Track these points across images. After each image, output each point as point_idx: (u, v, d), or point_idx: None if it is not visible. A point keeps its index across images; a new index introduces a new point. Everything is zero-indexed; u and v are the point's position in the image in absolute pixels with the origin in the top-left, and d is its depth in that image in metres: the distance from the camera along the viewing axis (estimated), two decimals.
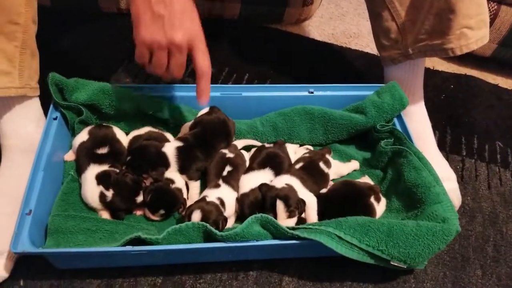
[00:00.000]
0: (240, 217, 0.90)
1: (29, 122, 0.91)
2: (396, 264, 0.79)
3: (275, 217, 0.83)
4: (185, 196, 0.93)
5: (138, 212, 0.92)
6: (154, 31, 0.76)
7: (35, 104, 0.93)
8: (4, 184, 0.87)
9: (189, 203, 0.91)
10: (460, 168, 1.10)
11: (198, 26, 0.80)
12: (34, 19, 0.86)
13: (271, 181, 0.91)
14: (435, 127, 1.10)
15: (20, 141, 0.90)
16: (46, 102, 0.96)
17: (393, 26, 1.02)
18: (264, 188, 0.87)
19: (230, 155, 0.97)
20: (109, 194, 0.87)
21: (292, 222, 0.84)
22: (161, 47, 0.78)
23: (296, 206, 0.84)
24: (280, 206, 0.83)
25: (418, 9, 0.97)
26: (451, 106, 1.27)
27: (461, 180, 1.07)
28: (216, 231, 0.78)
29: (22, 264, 0.84)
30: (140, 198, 0.89)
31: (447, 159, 1.07)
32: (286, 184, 0.87)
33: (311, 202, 0.88)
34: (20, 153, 0.89)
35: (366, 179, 0.98)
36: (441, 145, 1.13)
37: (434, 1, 0.94)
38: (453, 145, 1.16)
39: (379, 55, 1.11)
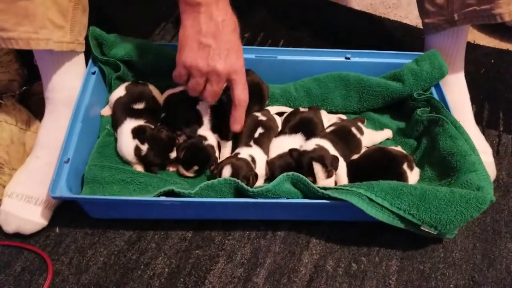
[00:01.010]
0: (270, 179, 0.90)
1: (74, 77, 0.93)
2: (426, 230, 0.78)
3: (314, 180, 0.84)
4: (217, 154, 0.94)
5: (171, 168, 0.94)
6: (198, 57, 0.78)
7: (80, 59, 0.95)
8: (46, 134, 0.91)
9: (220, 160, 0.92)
10: (496, 143, 1.07)
11: (242, 62, 0.82)
12: None
13: (301, 146, 0.92)
14: (473, 101, 1.07)
15: (64, 94, 0.92)
16: (86, 57, 0.98)
17: None
18: (295, 153, 0.87)
19: (262, 117, 0.97)
20: (144, 148, 0.89)
21: (331, 181, 0.85)
22: (201, 73, 0.80)
23: (331, 164, 0.84)
24: (317, 167, 0.84)
25: None
26: (490, 81, 1.23)
27: (496, 154, 1.04)
28: (248, 187, 0.79)
29: (59, 213, 0.88)
30: (173, 154, 0.90)
31: (484, 134, 1.05)
32: (317, 145, 0.87)
33: (340, 165, 0.87)
34: (63, 105, 0.92)
35: (399, 149, 0.96)
36: (478, 119, 1.10)
37: None
38: (490, 120, 1.13)
39: (421, 23, 1.07)
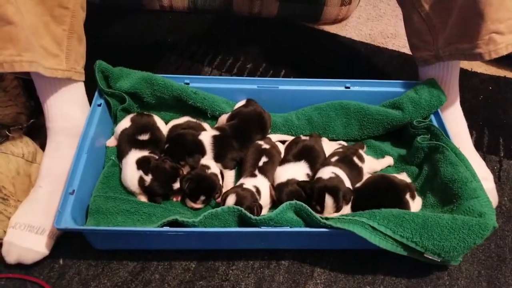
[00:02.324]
0: (275, 207, 0.90)
1: (73, 106, 0.95)
2: (430, 257, 0.78)
3: (322, 210, 0.84)
4: (220, 183, 0.95)
5: (175, 199, 0.94)
6: None
7: (80, 89, 0.97)
8: (49, 164, 0.92)
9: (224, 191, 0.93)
10: (497, 168, 1.08)
11: None
12: (82, 5, 0.90)
13: (307, 174, 0.92)
14: (472, 128, 1.08)
15: (64, 123, 0.94)
16: (91, 90, 1.00)
17: (423, 27, 1.01)
18: (305, 184, 0.87)
19: (265, 146, 0.98)
20: (148, 179, 0.90)
21: (337, 215, 0.85)
22: None
23: (344, 197, 0.84)
24: (329, 200, 0.83)
25: (447, 12, 0.96)
26: (489, 107, 1.25)
27: (498, 180, 1.04)
28: (251, 215, 0.79)
29: (62, 243, 0.88)
30: (177, 185, 0.91)
31: (484, 160, 1.05)
32: (333, 173, 0.87)
33: None
34: (64, 135, 0.93)
35: (404, 176, 0.97)
36: (478, 146, 1.11)
37: (463, 5, 0.92)
38: (491, 146, 1.14)
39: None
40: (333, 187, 0.84)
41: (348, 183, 0.88)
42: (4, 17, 0.77)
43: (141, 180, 0.90)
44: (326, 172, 0.88)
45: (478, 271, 0.89)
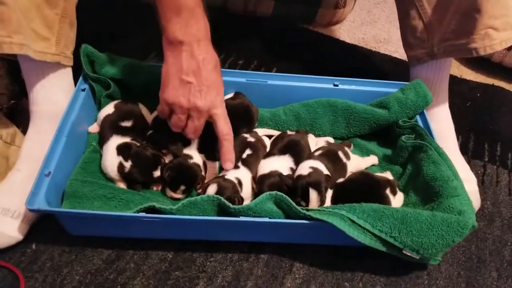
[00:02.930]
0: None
1: (60, 91, 0.94)
2: (408, 254, 0.77)
3: (307, 204, 0.84)
4: (203, 173, 0.93)
5: (155, 188, 0.93)
6: (179, 94, 0.81)
7: (67, 74, 0.96)
8: (29, 148, 0.90)
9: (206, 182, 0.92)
10: (481, 173, 1.08)
11: (222, 98, 0.85)
12: None
13: (291, 168, 0.92)
14: (458, 132, 1.08)
15: (49, 108, 0.92)
16: (76, 75, 0.99)
17: (420, 24, 1.02)
18: (283, 177, 0.87)
19: (251, 139, 0.97)
20: (128, 165, 0.88)
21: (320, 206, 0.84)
22: (182, 109, 0.82)
23: (326, 188, 0.84)
24: (313, 194, 0.83)
25: (445, 8, 0.97)
26: (476, 113, 1.26)
27: (481, 184, 1.05)
28: (230, 204, 0.78)
29: (36, 228, 0.86)
30: (157, 173, 0.90)
31: (469, 164, 1.05)
32: (311, 167, 0.87)
33: None
34: (47, 119, 0.92)
35: (388, 175, 0.97)
36: (464, 150, 1.11)
37: (462, 0, 0.93)
38: (476, 151, 1.14)
39: (406, 56, 1.11)
40: (315, 181, 0.84)
41: (326, 171, 0.88)
42: None
43: (120, 166, 0.88)
44: (304, 168, 0.88)
45: (458, 272, 0.88)
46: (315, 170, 0.86)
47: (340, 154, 0.94)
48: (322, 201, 0.84)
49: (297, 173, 0.88)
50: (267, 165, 0.92)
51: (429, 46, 1.02)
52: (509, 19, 0.94)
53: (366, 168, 1.00)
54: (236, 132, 0.98)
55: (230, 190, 0.85)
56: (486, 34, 0.94)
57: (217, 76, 0.83)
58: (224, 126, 0.85)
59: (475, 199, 0.95)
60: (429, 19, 1.00)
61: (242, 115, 1.01)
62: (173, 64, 0.80)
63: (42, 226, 0.86)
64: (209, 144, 0.95)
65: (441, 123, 1.05)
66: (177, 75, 0.80)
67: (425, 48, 1.03)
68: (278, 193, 0.79)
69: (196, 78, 0.80)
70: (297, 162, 0.93)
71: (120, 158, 0.89)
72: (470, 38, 0.95)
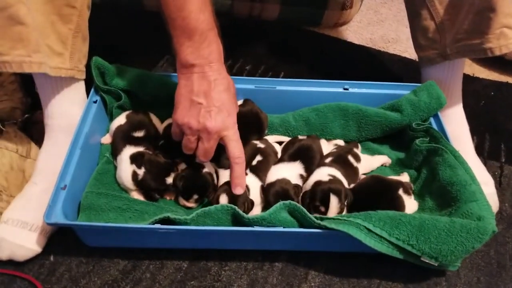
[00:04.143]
0: (266, 207, 0.89)
1: (73, 104, 0.95)
2: (427, 261, 0.76)
3: (326, 210, 0.82)
4: (215, 182, 0.93)
5: (168, 197, 0.93)
6: (189, 115, 0.81)
7: (80, 87, 0.97)
8: (45, 161, 0.91)
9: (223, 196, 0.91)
10: (498, 174, 1.06)
11: (233, 120, 0.83)
12: (88, 4, 0.91)
13: (301, 175, 0.91)
14: (473, 133, 1.07)
15: (63, 121, 0.93)
16: (88, 86, 0.99)
17: (431, 25, 1.00)
18: (297, 190, 0.86)
19: (261, 145, 0.97)
20: (141, 172, 0.88)
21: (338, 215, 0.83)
22: (192, 131, 0.81)
23: (346, 197, 0.83)
24: (334, 201, 0.82)
25: (457, 8, 0.96)
26: (490, 112, 1.24)
27: (499, 186, 1.02)
28: (243, 214, 0.78)
29: (54, 240, 0.87)
30: (170, 180, 0.90)
31: (485, 165, 1.04)
32: (330, 175, 0.86)
33: None
34: (62, 132, 0.93)
35: (405, 177, 0.96)
36: (479, 151, 1.09)
37: (475, 0, 0.92)
38: (492, 152, 1.12)
39: (417, 57, 1.10)
40: (336, 188, 0.83)
41: (345, 183, 0.87)
42: (16, 17, 0.78)
43: (134, 174, 0.89)
44: (323, 174, 0.87)
45: (477, 277, 0.87)
46: (335, 178, 0.85)
47: (351, 158, 0.94)
48: (341, 209, 0.83)
49: (314, 179, 0.87)
50: (275, 173, 0.91)
51: (441, 47, 1.01)
52: None
53: (378, 169, 1.00)
54: (246, 139, 0.98)
55: (242, 198, 0.84)
56: (501, 33, 0.92)
57: (229, 98, 0.82)
58: (235, 149, 0.83)
59: (493, 202, 0.94)
60: (441, 19, 0.99)
61: (251, 123, 1.00)
62: (184, 86, 0.81)
63: (59, 238, 0.87)
64: (221, 152, 0.95)
65: (456, 125, 1.04)
66: (188, 96, 0.80)
67: (437, 49, 1.01)
68: (292, 202, 0.79)
69: (207, 99, 0.80)
70: (308, 168, 0.93)
71: (134, 167, 0.89)
72: (485, 37, 0.93)
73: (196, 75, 0.80)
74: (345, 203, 0.83)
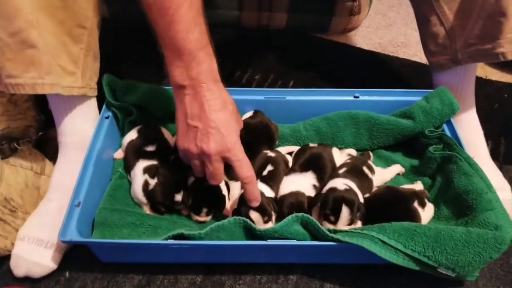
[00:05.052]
0: (279, 218, 0.88)
1: (86, 121, 0.96)
2: (443, 272, 0.75)
3: (336, 220, 0.81)
4: (225, 194, 0.92)
5: (185, 212, 0.92)
6: (187, 140, 0.79)
7: (92, 104, 0.98)
8: (59, 178, 0.92)
9: (230, 203, 0.92)
10: None
11: (233, 139, 0.79)
12: (99, 24, 0.92)
13: (314, 185, 0.90)
14: (488, 137, 1.05)
15: (76, 138, 0.94)
16: (99, 100, 1.00)
17: (441, 31, 0.99)
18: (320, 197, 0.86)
19: (271, 154, 0.97)
20: (152, 182, 0.89)
21: (348, 227, 0.82)
22: (193, 156, 0.80)
23: (358, 210, 0.82)
24: (345, 211, 0.81)
25: (467, 13, 0.95)
26: (505, 115, 1.22)
27: None
28: (256, 227, 0.78)
29: (69, 257, 0.88)
30: (179, 197, 0.89)
31: (501, 170, 1.01)
32: (346, 185, 0.85)
33: None
34: (75, 150, 0.94)
35: (419, 185, 0.95)
36: (494, 155, 1.07)
37: (485, 4, 0.91)
38: (508, 155, 1.10)
39: (427, 62, 1.08)
40: (350, 199, 0.82)
41: (360, 197, 0.86)
42: (28, 41, 0.79)
43: (145, 184, 0.90)
44: (339, 183, 0.86)
45: (497, 286, 0.85)
46: (351, 189, 0.84)
47: (366, 170, 0.93)
48: (351, 221, 0.82)
49: (330, 186, 0.86)
50: (288, 185, 0.91)
51: (452, 52, 1.00)
52: None
53: (392, 179, 0.98)
54: (257, 151, 0.98)
55: (265, 199, 0.85)
56: None
57: (226, 116, 0.79)
58: (241, 170, 0.80)
59: (510, 208, 0.91)
60: (451, 25, 0.98)
61: (262, 134, 1.00)
62: (180, 110, 0.80)
63: (74, 254, 0.88)
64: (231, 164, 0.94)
65: (470, 131, 1.02)
66: (184, 120, 0.79)
67: (448, 54, 1.00)
68: (305, 215, 0.78)
69: (201, 121, 0.77)
70: (320, 178, 0.92)
71: (146, 176, 0.90)
72: (496, 42, 0.92)
73: (188, 97, 0.78)
74: (357, 216, 0.82)
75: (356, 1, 1.41)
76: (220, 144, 0.78)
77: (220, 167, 0.81)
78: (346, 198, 0.81)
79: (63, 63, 0.87)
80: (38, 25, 0.80)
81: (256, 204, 0.83)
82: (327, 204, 0.82)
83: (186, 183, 0.91)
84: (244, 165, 0.81)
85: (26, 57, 0.80)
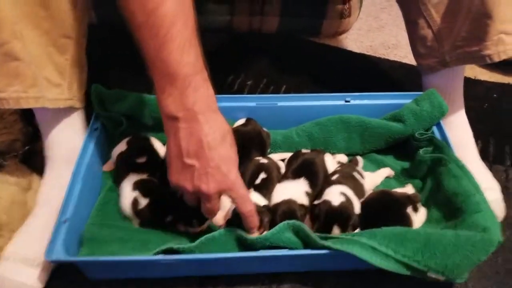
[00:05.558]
0: (271, 227, 0.88)
1: (73, 134, 0.94)
2: (433, 276, 0.75)
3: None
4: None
5: (182, 228, 0.89)
6: (182, 179, 0.73)
7: (80, 115, 0.96)
8: (46, 193, 0.90)
9: (221, 212, 0.90)
10: (504, 178, 1.04)
11: (233, 176, 0.74)
12: (85, 33, 0.89)
13: (307, 192, 0.90)
14: (477, 137, 1.05)
15: (64, 152, 0.92)
16: (87, 111, 0.99)
17: (429, 33, 0.99)
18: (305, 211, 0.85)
19: (264, 160, 0.96)
20: (144, 202, 0.87)
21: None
22: (189, 193, 0.75)
23: (353, 227, 0.82)
24: (336, 231, 0.80)
25: (454, 16, 0.95)
26: (494, 115, 1.22)
27: (505, 191, 0.99)
28: (246, 236, 0.77)
29: (57, 275, 0.85)
30: (168, 219, 0.87)
31: (490, 169, 1.02)
32: (343, 193, 0.84)
33: None
34: (63, 163, 0.92)
35: (410, 188, 0.95)
36: (484, 156, 1.07)
37: (471, 7, 0.91)
38: (497, 156, 1.10)
39: (417, 64, 1.09)
40: (343, 218, 0.81)
41: (357, 205, 0.85)
42: (12, 54, 0.78)
43: (135, 202, 0.88)
44: (334, 193, 0.85)
45: (485, 287, 0.85)
46: (346, 200, 0.84)
47: (356, 175, 0.92)
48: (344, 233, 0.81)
49: (324, 197, 0.85)
50: (280, 193, 0.90)
51: (440, 55, 1.00)
52: None
53: (382, 182, 0.98)
54: (249, 158, 0.97)
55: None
56: (499, 39, 0.91)
57: (226, 152, 0.73)
58: (242, 206, 0.76)
59: (499, 208, 0.92)
60: (438, 27, 0.98)
61: (254, 142, 1.00)
62: (173, 145, 0.72)
63: (62, 272, 0.85)
64: None
65: (459, 131, 1.02)
66: (179, 157, 0.72)
67: (437, 56, 1.00)
68: (296, 222, 0.78)
69: (199, 160, 0.71)
70: (313, 184, 0.91)
71: (136, 193, 0.88)
72: (483, 44, 0.92)
73: (183, 131, 0.70)
74: (350, 230, 0.82)
75: (346, 4, 1.42)
76: (220, 183, 0.72)
77: (218, 202, 0.77)
78: (338, 216, 0.81)
79: (48, 75, 0.85)
80: (22, 37, 0.78)
81: (257, 233, 0.80)
82: (320, 218, 0.82)
83: (178, 201, 0.86)
84: (245, 202, 0.76)
85: (10, 70, 0.79)
